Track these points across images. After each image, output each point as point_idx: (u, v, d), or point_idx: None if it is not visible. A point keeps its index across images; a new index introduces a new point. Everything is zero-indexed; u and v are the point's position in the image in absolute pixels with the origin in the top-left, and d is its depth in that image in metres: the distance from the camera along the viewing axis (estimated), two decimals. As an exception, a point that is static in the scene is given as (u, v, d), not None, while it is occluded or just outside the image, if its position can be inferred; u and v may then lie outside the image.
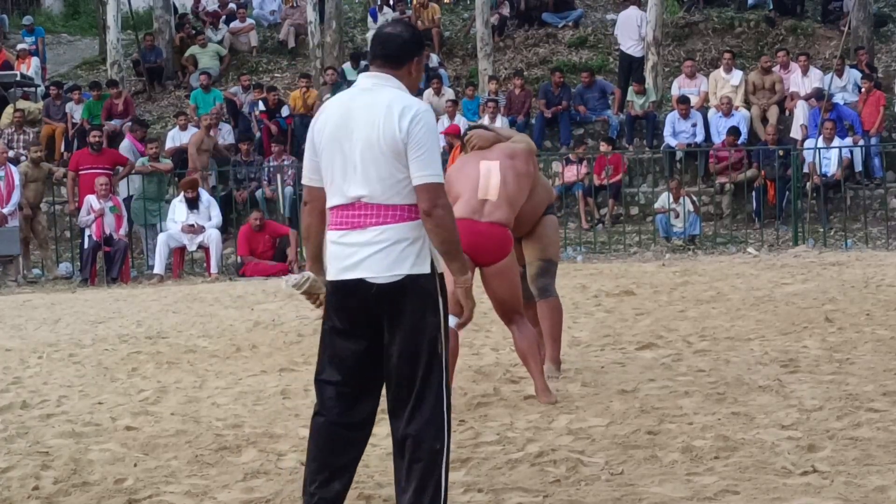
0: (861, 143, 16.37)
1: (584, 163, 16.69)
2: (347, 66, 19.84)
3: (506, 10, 21.78)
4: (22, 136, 18.34)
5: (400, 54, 4.05)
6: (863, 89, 17.00)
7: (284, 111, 18.54)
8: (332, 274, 4.03)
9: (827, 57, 19.43)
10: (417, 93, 20.25)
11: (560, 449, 5.09)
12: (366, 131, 3.93)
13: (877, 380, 6.22)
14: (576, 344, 7.79)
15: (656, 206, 16.07)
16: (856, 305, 8.96)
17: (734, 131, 16.59)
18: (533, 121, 18.10)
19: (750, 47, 20.45)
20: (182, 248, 15.00)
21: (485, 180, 6.00)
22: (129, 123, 17.70)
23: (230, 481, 4.93)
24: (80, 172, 15.62)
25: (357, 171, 3.94)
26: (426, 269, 3.96)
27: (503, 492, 4.55)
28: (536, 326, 6.58)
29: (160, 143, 17.09)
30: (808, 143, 16.21)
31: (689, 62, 18.63)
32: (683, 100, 17.24)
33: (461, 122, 17.55)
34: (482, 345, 7.95)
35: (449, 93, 18.54)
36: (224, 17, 22.62)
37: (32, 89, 20.85)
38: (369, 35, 22.04)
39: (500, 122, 16.59)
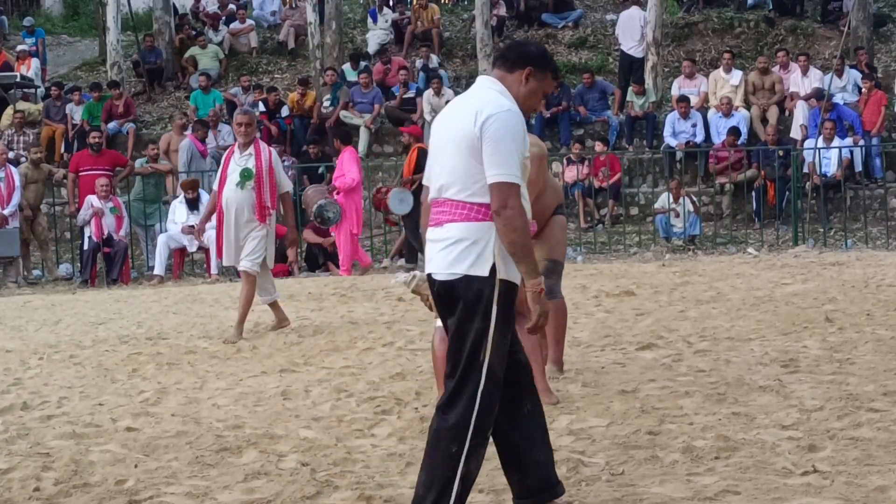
0: (861, 143, 16.38)
1: (586, 163, 16.70)
2: (347, 66, 19.84)
3: (503, 11, 21.78)
4: (22, 138, 18.35)
5: (514, 59, 4.16)
6: (864, 89, 17.01)
7: (284, 112, 18.55)
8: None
9: (827, 57, 19.44)
10: (417, 93, 20.30)
11: (561, 449, 5.09)
12: (453, 129, 4.04)
13: (877, 380, 6.21)
14: (576, 344, 7.79)
15: (656, 206, 16.07)
16: (856, 305, 8.95)
17: (734, 131, 16.60)
18: (533, 121, 18.09)
19: (749, 47, 20.45)
20: (182, 249, 15.01)
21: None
22: (193, 123, 17.69)
23: (231, 482, 4.93)
24: (80, 174, 15.63)
25: (443, 168, 4.07)
26: (484, 272, 3.94)
27: (504, 492, 4.55)
28: (538, 327, 6.59)
29: (159, 145, 17.11)
30: (808, 143, 16.22)
31: (688, 62, 18.63)
32: (683, 98, 17.25)
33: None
34: (482, 345, 7.94)
35: (449, 93, 18.51)
36: (224, 18, 22.62)
37: (32, 90, 20.86)
38: (369, 36, 22.06)
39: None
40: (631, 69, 18.96)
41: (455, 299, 3.96)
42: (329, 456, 5.26)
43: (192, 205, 14.88)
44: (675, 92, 17.98)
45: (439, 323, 5.92)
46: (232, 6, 22.99)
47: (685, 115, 17.11)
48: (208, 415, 6.26)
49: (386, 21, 22.08)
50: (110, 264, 14.72)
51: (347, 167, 14.32)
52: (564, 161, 16.96)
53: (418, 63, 20.20)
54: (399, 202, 14.11)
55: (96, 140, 15.94)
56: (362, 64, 19.66)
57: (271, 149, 9.46)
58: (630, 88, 18.33)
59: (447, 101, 17.75)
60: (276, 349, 8.37)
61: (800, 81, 17.64)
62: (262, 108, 18.52)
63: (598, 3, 23.41)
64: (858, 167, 16.34)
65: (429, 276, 4.10)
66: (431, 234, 4.10)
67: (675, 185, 15.65)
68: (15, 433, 6.03)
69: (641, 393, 6.16)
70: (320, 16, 20.64)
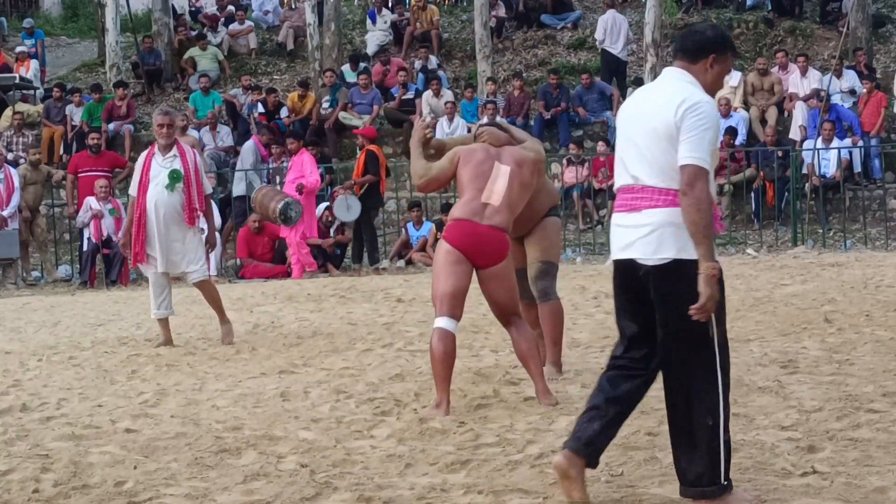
0: (860, 143, 16.38)
1: (585, 164, 16.70)
2: (346, 67, 19.84)
3: (502, 12, 21.79)
4: (21, 139, 18.34)
5: (696, 50, 4.25)
6: (864, 90, 17.01)
7: (283, 113, 18.54)
8: (613, 253, 4.33)
9: (825, 58, 19.45)
10: (416, 94, 20.28)
11: (560, 451, 5.08)
12: (649, 118, 4.16)
13: (876, 381, 6.22)
14: (575, 345, 7.79)
15: (656, 206, 16.05)
16: (855, 306, 8.96)
17: (732, 132, 16.59)
18: (532, 122, 18.11)
19: (748, 48, 20.46)
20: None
21: (491, 184, 6.03)
22: (260, 127, 17.76)
23: (230, 483, 4.93)
24: (79, 175, 15.63)
25: (638, 155, 4.19)
26: (693, 255, 4.08)
27: (503, 493, 4.55)
28: (537, 328, 6.59)
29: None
30: (807, 143, 16.22)
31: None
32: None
33: (459, 123, 17.57)
34: (482, 346, 7.95)
35: (448, 94, 18.54)
36: (223, 19, 22.62)
37: (31, 92, 20.86)
38: (368, 37, 22.06)
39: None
40: (617, 71, 19.06)
41: (665, 283, 4.13)
42: (328, 457, 5.26)
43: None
44: (674, 92, 17.95)
45: (438, 323, 5.93)
46: (231, 7, 23.00)
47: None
48: (207, 416, 6.25)
49: (385, 22, 22.09)
50: (109, 266, 14.72)
51: (308, 168, 14.29)
52: (564, 162, 16.96)
53: (417, 64, 20.21)
54: (346, 209, 13.93)
55: (95, 141, 15.94)
56: (361, 65, 19.66)
57: (194, 150, 9.36)
58: (629, 89, 18.32)
59: (446, 103, 17.90)
60: (275, 350, 8.37)
61: (799, 82, 17.65)
62: (261, 109, 18.53)
63: (598, 3, 23.40)
64: (857, 168, 16.34)
65: (632, 261, 4.19)
66: (624, 219, 4.23)
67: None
68: (14, 435, 6.02)
69: (641, 394, 6.15)
70: (319, 17, 20.65)
